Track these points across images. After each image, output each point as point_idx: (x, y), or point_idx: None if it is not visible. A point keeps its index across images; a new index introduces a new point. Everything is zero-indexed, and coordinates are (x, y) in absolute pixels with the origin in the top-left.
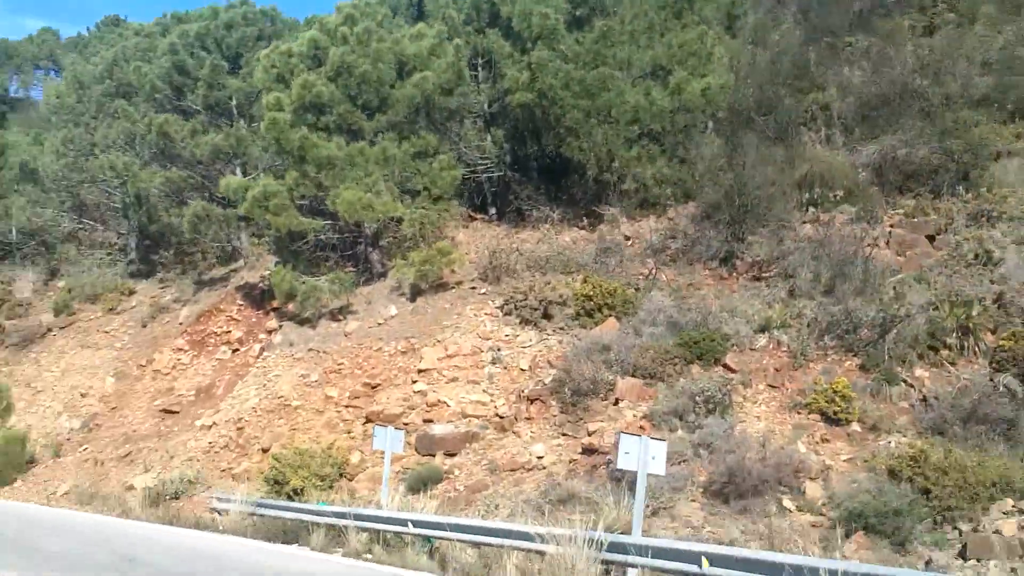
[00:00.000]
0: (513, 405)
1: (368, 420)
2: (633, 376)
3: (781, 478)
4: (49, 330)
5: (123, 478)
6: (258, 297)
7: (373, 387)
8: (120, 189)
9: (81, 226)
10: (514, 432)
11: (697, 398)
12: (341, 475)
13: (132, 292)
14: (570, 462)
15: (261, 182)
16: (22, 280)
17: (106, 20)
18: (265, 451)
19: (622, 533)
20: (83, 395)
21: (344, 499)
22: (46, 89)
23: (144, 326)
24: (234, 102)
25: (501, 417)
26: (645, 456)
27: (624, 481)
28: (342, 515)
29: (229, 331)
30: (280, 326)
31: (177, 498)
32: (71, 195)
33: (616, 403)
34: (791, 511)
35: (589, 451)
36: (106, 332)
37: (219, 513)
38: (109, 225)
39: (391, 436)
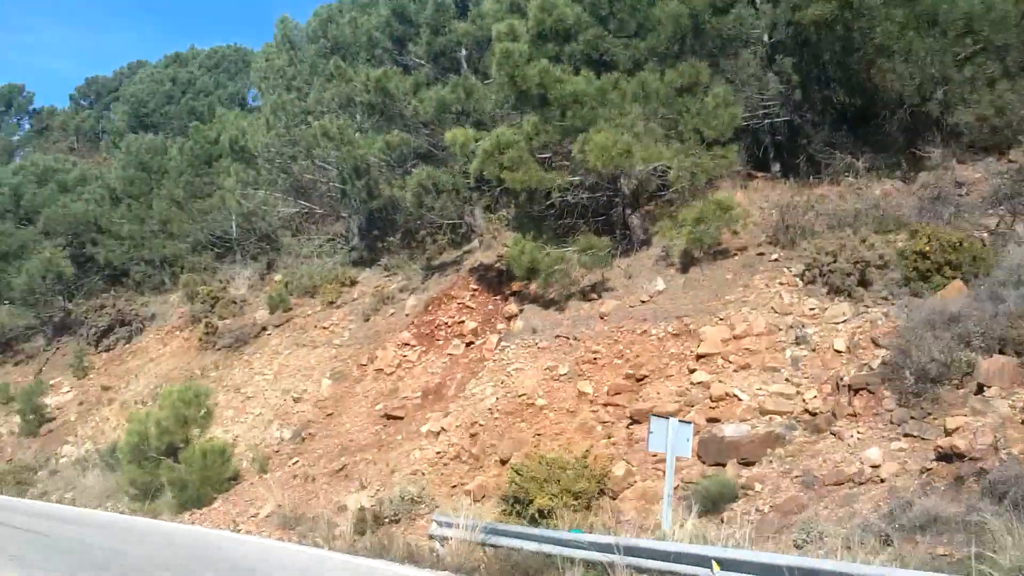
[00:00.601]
0: (828, 398)
1: (633, 420)
2: (1001, 353)
3: None
4: (263, 329)
5: (335, 497)
6: (494, 280)
7: (638, 379)
8: (336, 161)
9: (297, 209)
10: (833, 433)
11: None
12: (601, 492)
13: (354, 282)
14: (922, 472)
15: (494, 132)
16: (239, 277)
17: None
18: (504, 462)
19: None
20: (296, 400)
21: (605, 524)
22: (255, 57)
23: (366, 320)
24: (463, 52)
25: (813, 414)
26: None
27: (1008, 499)
28: (606, 547)
29: (462, 321)
30: (520, 311)
31: (397, 521)
32: (284, 173)
33: (980, 391)
34: None
35: (948, 457)
36: (324, 328)
37: (439, 542)
38: (326, 205)
39: (674, 431)
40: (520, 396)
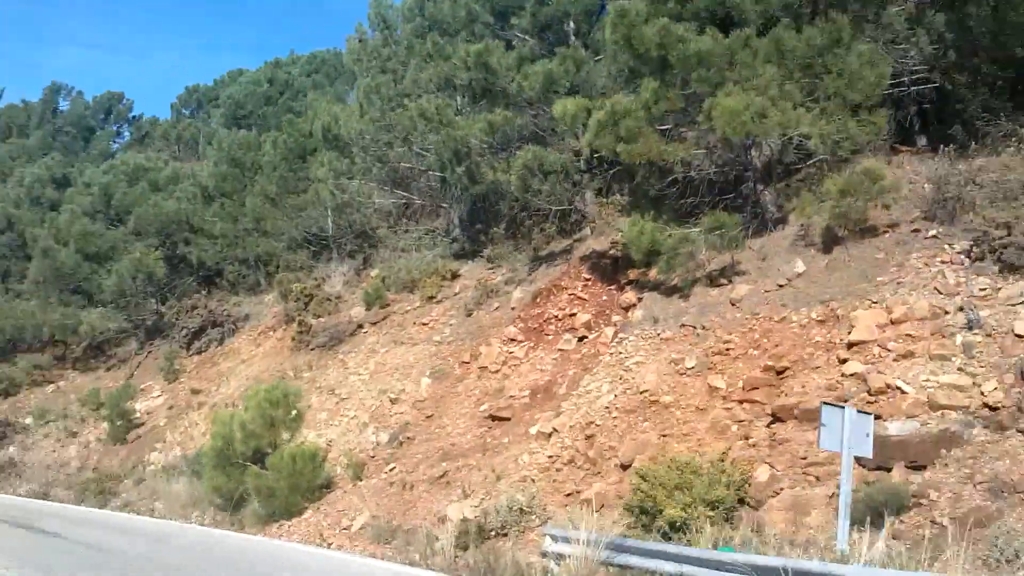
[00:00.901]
0: (1012, 390)
1: (775, 418)
2: None
3: None
4: (360, 326)
5: (435, 506)
6: (608, 268)
7: (779, 372)
8: (434, 147)
9: (394, 200)
10: (1020, 431)
11: None
12: (741, 501)
13: (455, 276)
14: None
15: (609, 101)
16: (335, 275)
17: None
18: (625, 467)
19: None
20: (393, 401)
21: (747, 538)
22: (349, 40)
23: (469, 314)
24: (570, 24)
25: (993, 408)
26: None
27: None
28: (770, 572)
29: (573, 313)
30: (639, 299)
31: (504, 534)
32: (379, 162)
33: None
34: None
35: None
36: (424, 324)
37: (554, 560)
38: (425, 195)
39: (852, 424)
40: (642, 393)
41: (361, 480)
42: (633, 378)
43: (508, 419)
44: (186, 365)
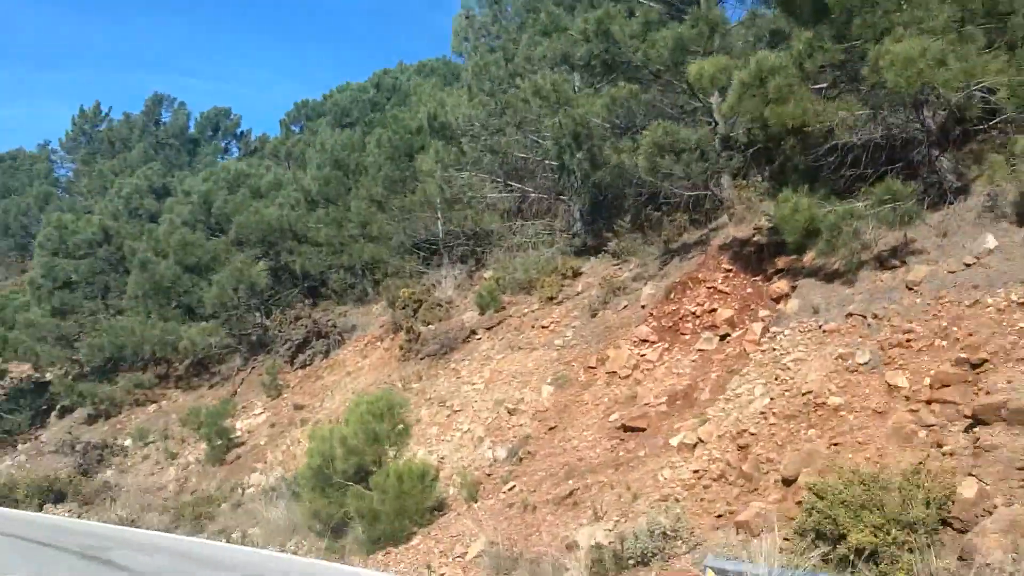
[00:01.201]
0: None
1: (976, 421)
2: None
3: None
4: (473, 332)
5: (561, 531)
6: (752, 257)
7: (975, 366)
8: (551, 131)
9: (507, 193)
10: None
11: None
12: (943, 522)
13: (577, 274)
14: None
15: (754, 58)
16: (446, 280)
17: None
18: (788, 482)
19: None
20: (511, 412)
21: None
22: (456, 19)
23: (593, 315)
24: None
25: None
26: None
27: None
28: None
29: (713, 309)
30: (793, 288)
31: (646, 563)
32: (491, 152)
33: None
34: None
35: None
36: (543, 328)
37: None
38: (541, 186)
39: None
40: (804, 395)
41: (476, 501)
42: (792, 378)
43: (643, 429)
44: (289, 380)
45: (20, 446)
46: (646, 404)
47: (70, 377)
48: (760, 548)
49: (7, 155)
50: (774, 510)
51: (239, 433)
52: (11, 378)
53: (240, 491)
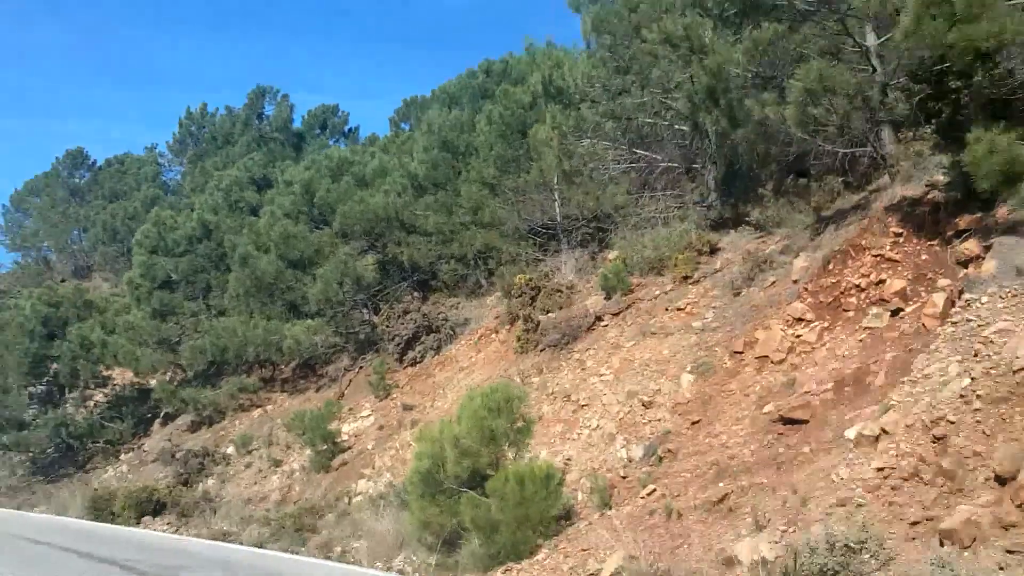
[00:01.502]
0: None
1: None
2: None
3: None
4: (598, 319)
5: (716, 542)
6: (927, 219)
7: None
8: (683, 88)
9: (632, 164)
10: None
11: None
12: None
13: (714, 249)
14: None
15: None
16: (566, 265)
17: None
18: (1003, 480)
19: None
20: (646, 405)
21: None
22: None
23: (736, 294)
24: None
25: None
26: None
27: None
28: None
29: (881, 280)
30: (987, 248)
31: None
32: (613, 119)
33: None
34: None
35: None
36: (678, 310)
37: None
38: (671, 154)
39: None
40: (1016, 372)
41: (610, 508)
42: (998, 353)
43: (805, 421)
44: (399, 379)
45: (123, 456)
46: (807, 392)
47: (173, 383)
48: (976, 564)
49: (114, 160)
50: (988, 515)
51: (345, 437)
52: (114, 385)
53: (346, 500)
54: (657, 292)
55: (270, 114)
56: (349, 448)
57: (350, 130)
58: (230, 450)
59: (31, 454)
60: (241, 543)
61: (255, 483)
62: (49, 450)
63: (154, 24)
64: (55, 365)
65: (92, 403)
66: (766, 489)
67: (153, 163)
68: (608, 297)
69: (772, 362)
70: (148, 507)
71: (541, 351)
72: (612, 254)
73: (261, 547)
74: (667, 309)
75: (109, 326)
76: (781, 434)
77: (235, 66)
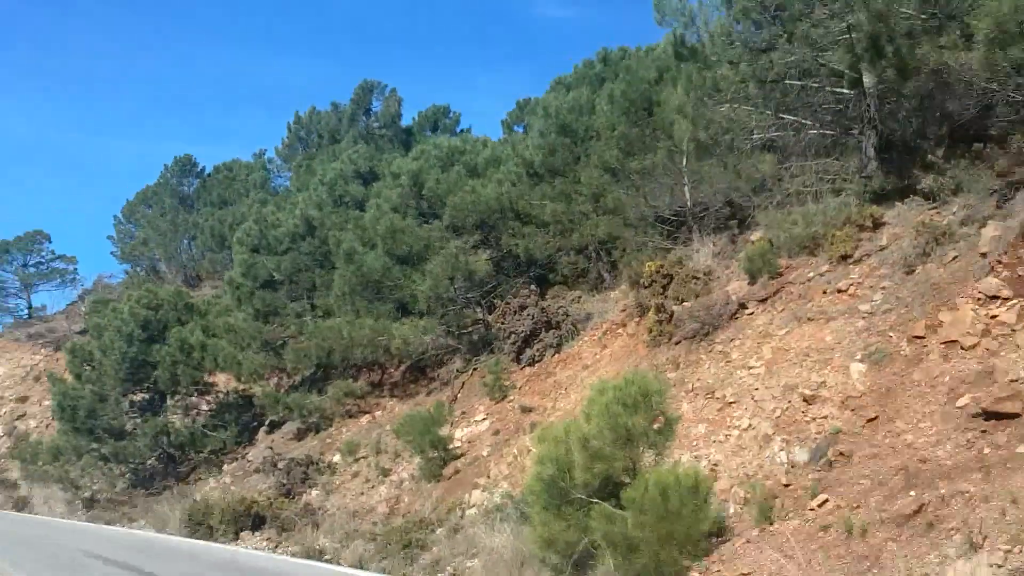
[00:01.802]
0: None
1: None
2: None
3: None
4: (742, 306)
5: (917, 566)
6: None
7: None
8: (839, 40)
9: (778, 132)
10: None
11: None
12: None
13: (878, 224)
14: None
15: None
16: (702, 246)
17: None
18: None
19: None
20: (809, 400)
21: None
22: None
23: (910, 271)
24: None
25: None
26: None
27: None
28: None
29: None
30: None
31: None
32: (756, 80)
33: None
34: None
35: None
36: (839, 292)
37: None
38: (823, 119)
39: None
40: None
41: (772, 523)
42: None
43: (1016, 415)
44: (516, 380)
45: (226, 466)
46: (1012, 381)
47: (278, 388)
48: None
49: (223, 166)
50: None
51: (458, 443)
52: (217, 392)
53: (459, 513)
54: (811, 274)
55: (377, 109)
56: (462, 455)
57: (461, 131)
58: (336, 458)
59: (132, 465)
60: (340, 563)
61: (362, 493)
62: (150, 461)
63: (264, 43)
64: (156, 371)
65: (195, 411)
66: (974, 498)
67: (261, 169)
68: (753, 281)
69: (963, 347)
70: (246, 521)
71: (676, 344)
72: (756, 234)
73: (361, 567)
74: (825, 292)
75: (210, 329)
76: (984, 431)
77: (342, 82)
